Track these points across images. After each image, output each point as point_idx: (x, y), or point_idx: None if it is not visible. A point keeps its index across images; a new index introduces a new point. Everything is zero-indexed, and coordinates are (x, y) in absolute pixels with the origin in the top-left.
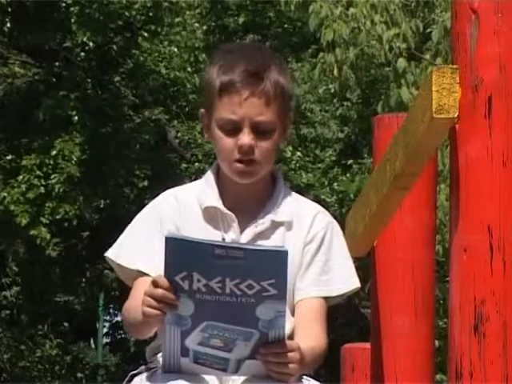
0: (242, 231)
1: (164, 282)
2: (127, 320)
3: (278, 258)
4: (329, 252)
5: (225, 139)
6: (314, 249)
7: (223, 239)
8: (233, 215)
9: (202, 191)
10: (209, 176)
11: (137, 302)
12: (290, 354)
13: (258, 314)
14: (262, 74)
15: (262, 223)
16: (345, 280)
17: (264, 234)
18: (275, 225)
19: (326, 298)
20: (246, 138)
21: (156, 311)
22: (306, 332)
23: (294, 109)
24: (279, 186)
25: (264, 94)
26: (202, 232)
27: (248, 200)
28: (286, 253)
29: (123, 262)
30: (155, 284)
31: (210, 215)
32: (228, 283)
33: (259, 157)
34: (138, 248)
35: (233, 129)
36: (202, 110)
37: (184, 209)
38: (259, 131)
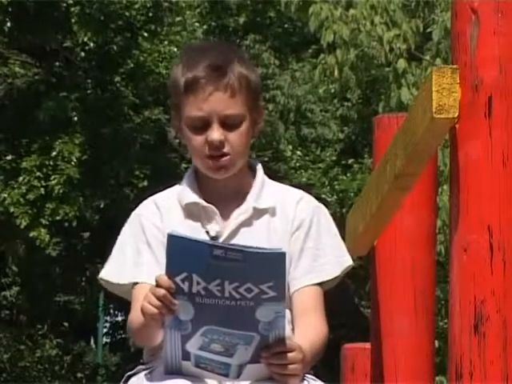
0: (225, 223)
1: (165, 280)
2: (132, 328)
3: (277, 260)
4: (318, 236)
5: (194, 137)
6: (302, 235)
7: (207, 232)
8: (214, 208)
9: (182, 191)
10: (188, 175)
11: (139, 312)
12: (291, 355)
13: (257, 316)
14: (225, 68)
15: (245, 212)
16: (337, 261)
17: (247, 223)
18: (258, 212)
19: (321, 284)
20: (214, 133)
21: (154, 309)
22: (306, 323)
23: (262, 99)
24: (259, 177)
25: (229, 88)
26: (185, 228)
27: (228, 193)
28: (284, 255)
29: (113, 279)
30: (157, 283)
31: (192, 211)
32: (227, 287)
33: (230, 150)
34: (125, 262)
35: (201, 126)
36: (173, 112)
37: (165, 211)
38: (228, 125)
